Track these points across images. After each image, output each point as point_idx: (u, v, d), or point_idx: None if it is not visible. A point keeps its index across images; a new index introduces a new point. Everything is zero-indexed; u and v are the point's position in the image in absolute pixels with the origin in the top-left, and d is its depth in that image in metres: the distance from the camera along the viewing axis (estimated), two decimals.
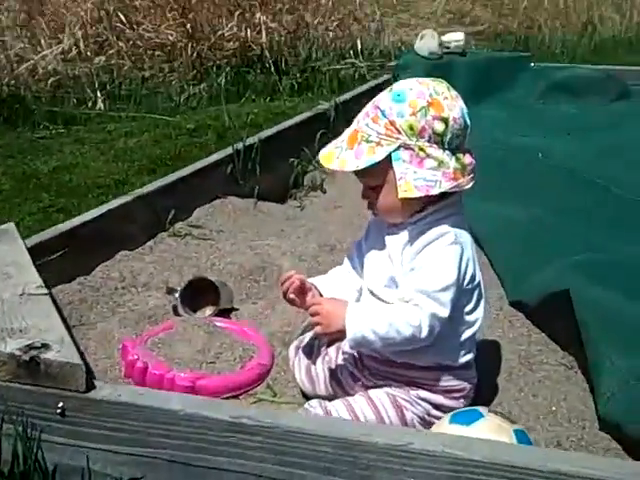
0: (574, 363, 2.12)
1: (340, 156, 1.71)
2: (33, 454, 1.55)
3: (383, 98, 1.71)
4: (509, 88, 4.81)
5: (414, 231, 1.74)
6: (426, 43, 4.77)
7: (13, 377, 1.56)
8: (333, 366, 1.90)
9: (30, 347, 1.56)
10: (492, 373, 2.05)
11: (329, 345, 1.94)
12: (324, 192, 3.54)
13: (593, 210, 3.07)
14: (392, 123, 1.67)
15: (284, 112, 4.80)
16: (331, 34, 6.20)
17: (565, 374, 2.07)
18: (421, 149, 1.67)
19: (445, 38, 4.90)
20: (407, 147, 1.67)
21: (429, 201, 1.73)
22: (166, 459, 1.50)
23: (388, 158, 1.67)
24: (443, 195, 1.72)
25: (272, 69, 5.58)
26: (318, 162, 3.72)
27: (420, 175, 1.67)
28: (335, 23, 6.34)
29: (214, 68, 5.54)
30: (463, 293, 1.74)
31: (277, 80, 5.47)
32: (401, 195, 1.68)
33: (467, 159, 1.72)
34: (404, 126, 1.66)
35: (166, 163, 4.04)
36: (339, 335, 1.76)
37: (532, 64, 5.09)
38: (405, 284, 1.72)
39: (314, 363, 1.92)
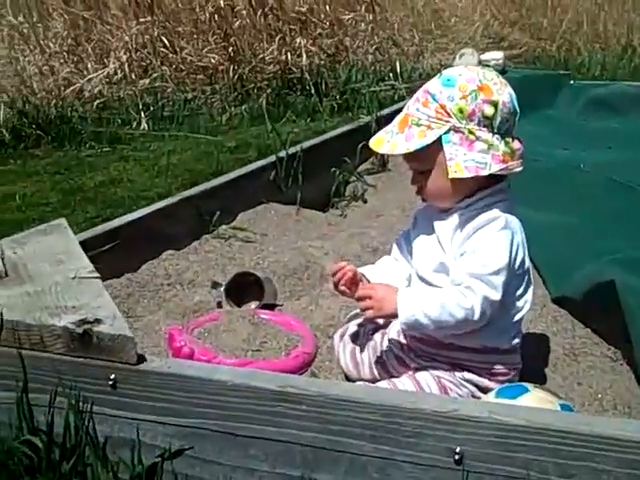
0: (619, 355, 2.11)
1: (391, 140, 1.74)
2: (84, 426, 1.58)
3: (433, 83, 1.75)
4: (549, 104, 4.81)
5: (464, 216, 1.75)
6: (465, 61, 4.80)
7: (67, 350, 1.59)
8: (378, 350, 1.92)
9: (83, 321, 1.59)
10: (536, 363, 2.05)
11: (374, 332, 1.96)
12: (365, 202, 3.57)
13: (634, 216, 3.06)
14: (442, 107, 1.70)
15: (324, 131, 4.85)
16: (370, 57, 6.27)
17: (610, 365, 2.07)
18: (471, 132, 1.69)
19: (484, 57, 4.94)
20: (457, 130, 1.70)
21: (479, 186, 1.75)
22: (213, 430, 1.52)
23: (438, 141, 1.70)
24: (493, 181, 1.75)
25: (312, 91, 5.65)
26: (360, 173, 3.83)
27: (470, 157, 1.70)
28: (374, 47, 6.41)
29: (255, 90, 5.63)
30: (513, 278, 1.74)
31: (317, 101, 5.54)
32: (451, 175, 1.70)
33: (516, 144, 1.74)
34: (454, 109, 1.69)
35: (208, 178, 4.12)
36: (390, 319, 1.77)
37: (572, 81, 5.09)
38: (456, 268, 1.73)
39: (359, 348, 1.94)
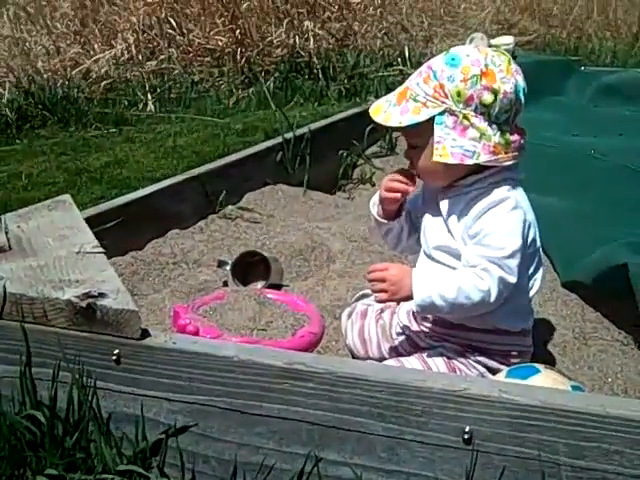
0: (630, 340, 2.09)
1: (387, 110, 1.69)
2: (88, 401, 1.56)
3: (438, 60, 1.69)
4: (560, 90, 4.77)
5: (469, 195, 1.71)
6: (475, 46, 4.75)
7: (70, 324, 1.57)
8: (387, 329, 1.89)
9: (87, 295, 1.57)
10: (546, 347, 2.04)
11: (383, 310, 1.93)
12: (373, 185, 3.55)
13: None
14: (441, 86, 1.65)
15: (332, 116, 4.83)
16: (379, 42, 6.22)
17: (620, 349, 2.05)
18: (465, 117, 1.64)
19: (494, 41, 4.89)
20: (452, 113, 1.64)
21: (481, 167, 1.69)
22: (219, 406, 1.50)
23: (431, 121, 1.65)
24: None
25: (320, 75, 5.61)
26: (367, 156, 3.80)
27: (459, 143, 1.65)
28: (383, 32, 6.36)
29: (262, 73, 5.59)
30: (525, 257, 1.70)
31: (325, 86, 5.50)
32: (435, 159, 1.65)
33: (514, 137, 1.68)
34: (452, 91, 1.64)
35: (214, 160, 4.08)
36: (405, 301, 1.73)
37: (582, 68, 5.05)
38: (470, 251, 1.68)
39: (367, 326, 1.91)
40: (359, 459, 1.42)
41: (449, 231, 1.74)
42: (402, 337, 1.85)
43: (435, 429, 1.37)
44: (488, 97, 1.63)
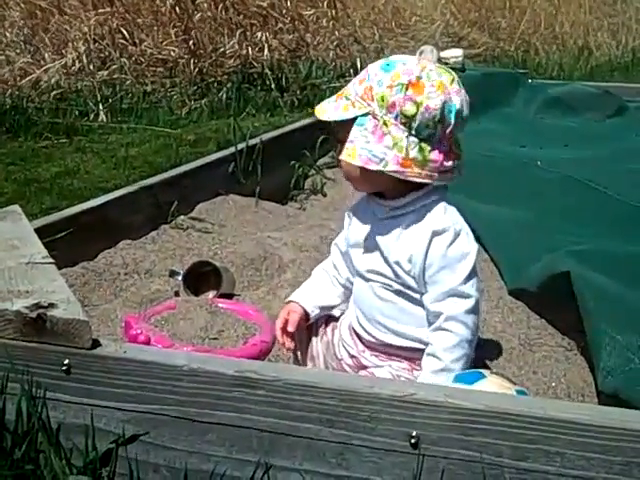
0: (573, 346, 2.14)
1: (324, 105, 1.71)
2: (37, 413, 1.55)
3: (376, 64, 1.69)
4: (507, 102, 4.87)
5: (402, 220, 1.70)
6: (425, 58, 4.81)
7: (19, 335, 1.56)
8: (331, 347, 1.89)
9: (37, 305, 1.56)
10: (492, 353, 2.08)
11: (327, 325, 1.94)
12: (324, 195, 3.58)
13: (589, 212, 3.10)
14: (369, 89, 1.64)
15: (284, 126, 4.86)
16: (331, 54, 6.28)
17: (564, 354, 2.10)
18: (385, 123, 1.62)
19: (444, 54, 4.95)
20: (375, 117, 1.63)
21: (407, 186, 1.68)
22: (170, 415, 1.50)
23: (354, 121, 1.65)
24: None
25: (272, 86, 5.64)
26: (319, 167, 3.83)
27: (370, 147, 1.63)
28: (335, 43, 6.42)
29: (215, 84, 5.60)
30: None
31: (277, 96, 5.53)
32: (341, 157, 1.67)
33: (434, 155, 1.64)
34: (377, 95, 1.62)
35: (166, 170, 4.08)
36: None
37: (529, 80, 5.16)
38: (428, 297, 1.69)
39: (314, 342, 1.92)
40: (309, 465, 1.43)
41: (382, 257, 1.73)
42: (347, 356, 1.85)
43: (383, 434, 1.40)
44: (410, 108, 1.60)
